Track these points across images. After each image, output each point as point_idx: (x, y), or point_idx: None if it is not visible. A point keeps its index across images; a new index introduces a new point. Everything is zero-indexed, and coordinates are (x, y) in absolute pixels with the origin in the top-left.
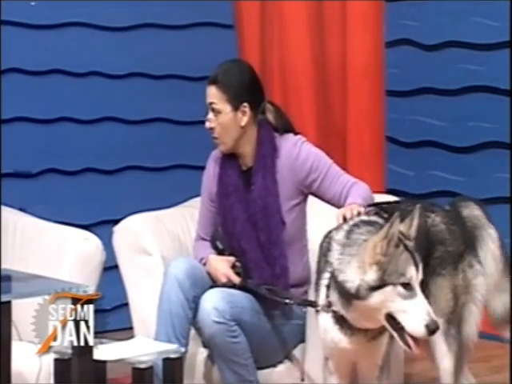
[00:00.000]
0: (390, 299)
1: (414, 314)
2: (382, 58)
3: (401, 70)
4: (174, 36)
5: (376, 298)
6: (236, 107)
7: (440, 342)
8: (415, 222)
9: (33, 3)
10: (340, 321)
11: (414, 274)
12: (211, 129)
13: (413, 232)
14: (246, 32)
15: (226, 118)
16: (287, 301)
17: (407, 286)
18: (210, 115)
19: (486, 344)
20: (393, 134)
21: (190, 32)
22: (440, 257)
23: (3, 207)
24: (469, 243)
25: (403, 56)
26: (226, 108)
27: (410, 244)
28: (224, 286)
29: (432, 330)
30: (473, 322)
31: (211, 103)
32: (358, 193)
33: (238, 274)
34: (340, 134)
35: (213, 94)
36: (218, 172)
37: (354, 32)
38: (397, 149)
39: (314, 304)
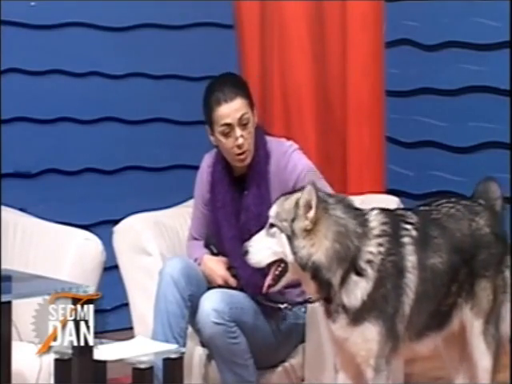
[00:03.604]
0: None
1: None
2: (381, 58)
3: (401, 70)
4: (174, 36)
5: None
6: (253, 109)
7: (479, 342)
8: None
9: (33, 3)
10: (325, 308)
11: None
12: (242, 145)
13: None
14: (246, 32)
15: (252, 125)
16: (282, 306)
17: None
18: (239, 132)
19: None
20: (393, 134)
21: (190, 32)
22: (484, 259)
23: (3, 207)
24: (506, 243)
25: (403, 56)
26: (251, 114)
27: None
28: (219, 286)
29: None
30: (508, 320)
31: (243, 115)
32: None
33: (234, 276)
34: (340, 133)
35: (240, 105)
36: (209, 180)
37: (353, 32)
38: (397, 149)
39: (309, 301)
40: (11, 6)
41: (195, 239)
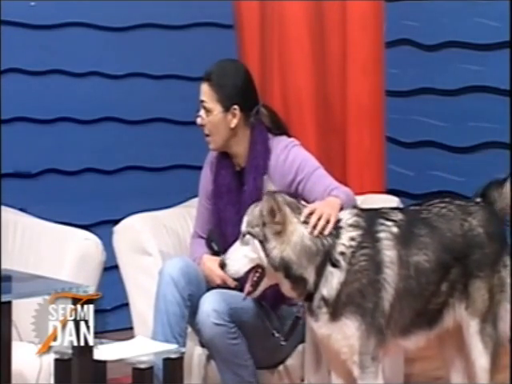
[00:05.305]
0: None
1: None
2: (381, 58)
3: (401, 70)
4: (174, 36)
5: None
6: (226, 108)
7: (476, 341)
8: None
9: (33, 3)
10: (309, 310)
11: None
12: (202, 126)
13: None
14: (246, 32)
15: (215, 118)
16: (276, 334)
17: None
18: (202, 112)
19: None
20: (393, 134)
21: (190, 32)
22: (478, 259)
23: (3, 207)
24: (504, 243)
25: (403, 56)
26: (216, 108)
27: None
28: (218, 286)
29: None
30: (507, 320)
31: (202, 101)
32: (342, 190)
33: None
34: (340, 133)
35: (204, 91)
36: (213, 171)
37: (353, 32)
38: (397, 149)
39: (299, 316)
40: (11, 6)
41: (200, 237)
